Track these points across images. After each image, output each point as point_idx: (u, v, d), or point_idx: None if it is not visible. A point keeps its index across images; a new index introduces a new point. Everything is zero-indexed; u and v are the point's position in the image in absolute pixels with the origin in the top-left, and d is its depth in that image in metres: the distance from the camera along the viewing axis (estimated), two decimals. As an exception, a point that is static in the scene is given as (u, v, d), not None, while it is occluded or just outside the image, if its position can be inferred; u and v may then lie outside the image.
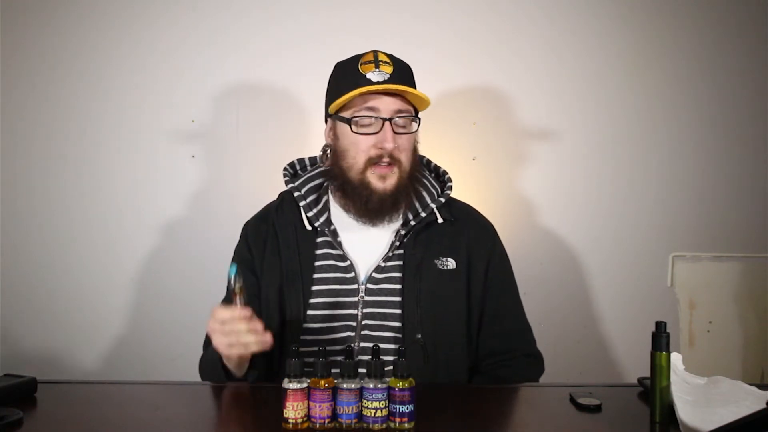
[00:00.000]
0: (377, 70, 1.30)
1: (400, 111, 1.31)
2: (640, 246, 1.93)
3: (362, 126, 1.30)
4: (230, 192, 1.87)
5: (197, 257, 1.86)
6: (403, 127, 1.32)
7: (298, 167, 1.45)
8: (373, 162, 1.30)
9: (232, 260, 1.42)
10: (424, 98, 1.31)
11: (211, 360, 1.25)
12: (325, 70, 1.40)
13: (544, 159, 1.91)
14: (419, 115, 1.37)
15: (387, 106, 1.30)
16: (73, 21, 1.85)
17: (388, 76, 1.30)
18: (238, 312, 1.11)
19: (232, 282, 1.14)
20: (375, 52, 1.34)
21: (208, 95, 1.87)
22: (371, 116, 1.30)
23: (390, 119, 1.30)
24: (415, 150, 1.37)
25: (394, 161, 1.31)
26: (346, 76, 1.33)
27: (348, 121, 1.31)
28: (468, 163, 1.89)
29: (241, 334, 1.10)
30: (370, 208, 1.32)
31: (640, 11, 1.91)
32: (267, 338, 1.12)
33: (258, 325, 1.12)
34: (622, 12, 1.90)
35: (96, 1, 1.86)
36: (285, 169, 1.42)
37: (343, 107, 1.33)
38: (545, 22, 1.90)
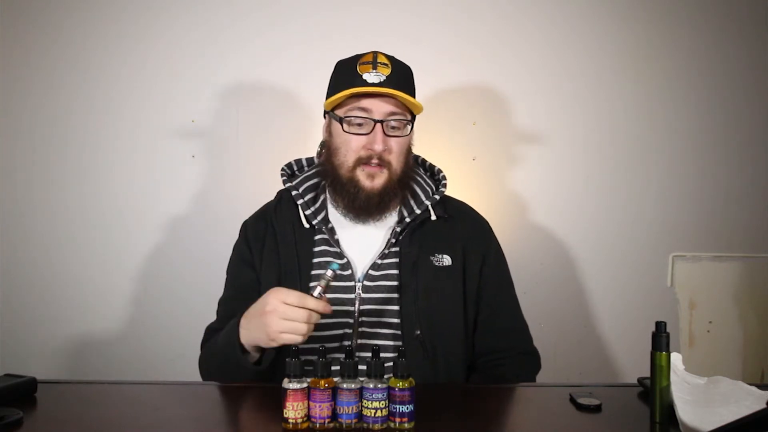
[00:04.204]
0: (374, 71, 1.30)
1: (393, 113, 1.31)
2: (640, 246, 1.93)
3: (354, 126, 1.31)
4: (230, 192, 1.87)
5: (197, 257, 1.86)
6: (396, 129, 1.32)
7: (295, 168, 1.46)
8: (362, 162, 1.31)
9: (231, 257, 1.42)
10: (416, 105, 1.31)
11: (223, 346, 1.21)
12: (325, 70, 1.40)
13: (544, 159, 1.91)
14: (415, 118, 1.36)
15: (380, 108, 1.30)
16: (73, 22, 1.86)
17: (384, 78, 1.29)
18: (323, 305, 1.10)
19: (329, 273, 1.11)
20: (375, 53, 1.33)
21: (208, 95, 1.87)
22: (363, 117, 1.30)
23: (382, 121, 1.29)
24: (408, 152, 1.37)
25: (383, 163, 1.31)
26: (343, 74, 1.34)
27: (340, 120, 1.32)
28: (468, 163, 1.89)
29: (303, 325, 1.09)
30: (356, 205, 1.32)
31: (640, 12, 1.91)
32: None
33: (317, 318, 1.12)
34: (622, 12, 1.91)
35: (96, 2, 1.86)
36: (282, 169, 1.43)
37: (339, 105, 1.33)
38: (545, 23, 1.90)
